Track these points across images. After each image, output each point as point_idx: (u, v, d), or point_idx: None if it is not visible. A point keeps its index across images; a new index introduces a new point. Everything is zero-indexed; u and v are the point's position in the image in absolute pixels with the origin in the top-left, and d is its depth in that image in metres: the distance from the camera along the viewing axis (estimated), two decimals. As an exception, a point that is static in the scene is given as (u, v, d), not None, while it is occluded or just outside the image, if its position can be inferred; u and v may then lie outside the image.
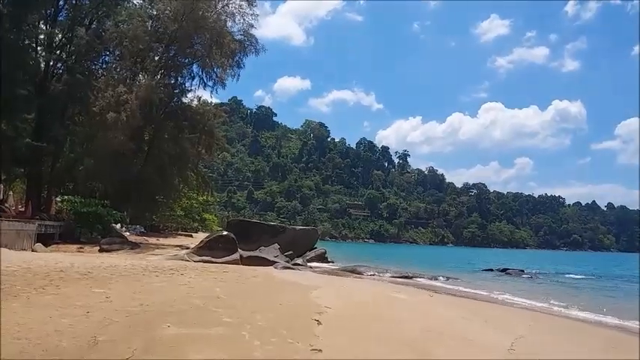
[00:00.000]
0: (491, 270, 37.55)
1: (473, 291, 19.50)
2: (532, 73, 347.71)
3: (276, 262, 25.02)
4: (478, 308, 11.52)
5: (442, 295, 14.82)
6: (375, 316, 8.62)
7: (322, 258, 33.77)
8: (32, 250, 21.91)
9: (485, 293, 18.16)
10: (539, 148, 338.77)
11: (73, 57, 38.41)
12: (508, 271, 34.51)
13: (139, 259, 16.40)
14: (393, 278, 23.09)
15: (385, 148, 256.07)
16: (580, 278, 33.96)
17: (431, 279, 23.74)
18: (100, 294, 8.34)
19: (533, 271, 37.19)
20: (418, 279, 23.38)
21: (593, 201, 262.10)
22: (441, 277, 24.41)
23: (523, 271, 35.63)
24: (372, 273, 24.27)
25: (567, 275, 36.56)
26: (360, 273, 24.06)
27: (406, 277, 23.61)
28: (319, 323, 7.32)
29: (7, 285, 8.20)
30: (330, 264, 32.32)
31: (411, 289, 16.32)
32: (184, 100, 41.56)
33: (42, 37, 36.90)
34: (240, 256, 24.51)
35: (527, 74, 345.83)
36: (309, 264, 29.47)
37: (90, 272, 11.31)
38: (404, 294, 13.21)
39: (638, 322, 12.54)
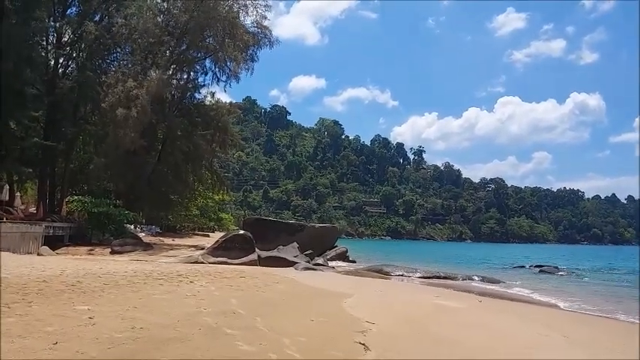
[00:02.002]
0: (523, 267, 35.61)
1: (521, 293, 17.74)
2: (549, 66, 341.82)
3: (297, 262, 23.49)
4: (546, 319, 9.77)
5: (491, 300, 13.05)
6: (434, 335, 6.89)
7: (344, 257, 32.20)
8: (38, 254, 20.64)
9: (540, 298, 16.30)
10: (557, 142, 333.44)
11: (83, 54, 37.38)
12: (543, 268, 32.49)
13: (144, 264, 14.72)
14: (424, 279, 21.39)
15: (400, 145, 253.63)
16: (625, 275, 31.74)
17: (465, 279, 21.95)
18: (81, 313, 6.62)
19: (566, 267, 35.06)
20: (451, 280, 21.62)
21: (613, 194, 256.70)
22: (475, 277, 22.60)
23: (557, 267, 33.59)
24: (400, 273, 22.57)
25: (609, 272, 34.41)
26: (387, 273, 22.40)
27: (438, 278, 21.87)
28: (367, 348, 5.69)
29: None
30: (353, 263, 30.71)
31: (452, 292, 14.59)
32: (197, 96, 40.24)
33: (51, 33, 35.87)
34: (258, 256, 23.05)
35: (544, 67, 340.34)
36: (330, 263, 27.91)
37: (79, 282, 9.68)
38: (449, 300, 11.52)
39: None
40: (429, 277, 21.87)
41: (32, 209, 35.82)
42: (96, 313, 6.60)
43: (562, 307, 14.09)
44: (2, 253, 17.88)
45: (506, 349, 6.42)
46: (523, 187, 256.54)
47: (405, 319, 8.24)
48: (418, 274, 22.38)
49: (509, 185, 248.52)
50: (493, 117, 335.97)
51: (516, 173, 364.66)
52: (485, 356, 5.97)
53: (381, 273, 22.55)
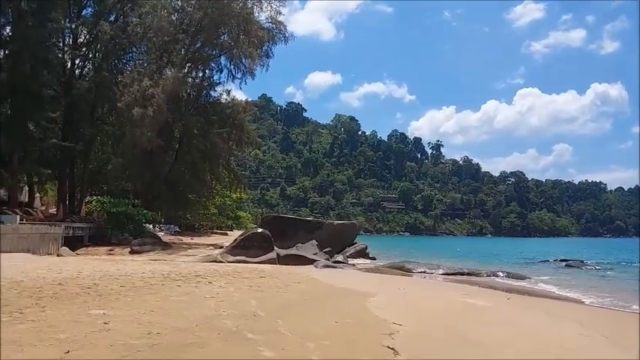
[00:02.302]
0: (547, 261, 34.74)
1: (549, 289, 17.11)
2: (569, 56, 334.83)
3: (316, 260, 23.15)
4: (581, 316, 9.21)
5: (520, 298, 12.47)
6: (465, 337, 6.43)
7: (363, 254, 31.76)
8: (57, 255, 20.61)
9: (570, 294, 15.68)
10: (578, 134, 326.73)
11: (99, 54, 37.49)
12: (568, 262, 31.64)
13: (162, 264, 14.42)
14: (446, 275, 20.83)
15: (418, 140, 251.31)
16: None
17: (490, 275, 21.34)
18: (96, 318, 6.29)
19: (593, 261, 34.04)
20: (475, 276, 21.03)
21: (636, 185, 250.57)
22: (500, 273, 21.95)
23: (583, 261, 32.68)
24: (422, 270, 22.06)
25: (635, 266, 33.36)
26: (408, 270, 21.90)
27: (461, 274, 21.29)
28: (396, 353, 5.27)
29: None
30: (373, 260, 30.25)
31: (478, 290, 14.05)
32: (213, 94, 40.10)
33: (67, 34, 36.02)
34: (277, 254, 22.77)
35: (564, 58, 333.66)
36: (350, 261, 27.51)
37: (96, 284, 9.39)
38: (476, 298, 11.01)
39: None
40: (452, 274, 21.30)
41: (52, 210, 36.03)
42: (111, 317, 6.33)
43: (594, 303, 13.50)
44: (22, 254, 17.87)
45: (547, 351, 5.95)
46: (544, 180, 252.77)
47: (433, 319, 7.79)
48: (441, 271, 21.84)
49: (529, 178, 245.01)
50: (512, 109, 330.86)
51: (537, 166, 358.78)
52: (513, 353, 5.51)
53: (403, 270, 22.05)
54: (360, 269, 22.12)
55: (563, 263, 31.62)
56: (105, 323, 5.95)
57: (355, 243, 33.32)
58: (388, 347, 5.54)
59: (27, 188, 30.75)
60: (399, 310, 8.47)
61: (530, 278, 21.43)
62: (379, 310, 8.11)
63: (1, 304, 6.58)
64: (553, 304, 11.60)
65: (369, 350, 5.40)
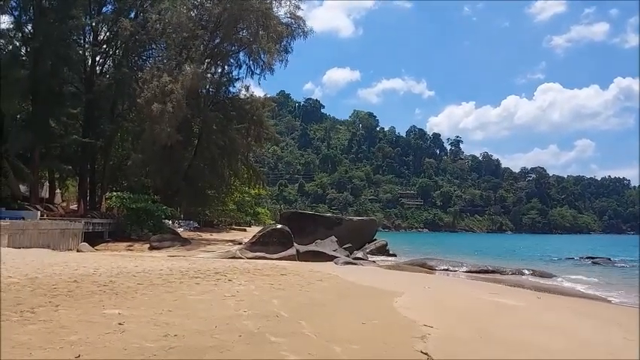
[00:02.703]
0: (573, 258, 33.86)
1: (578, 287, 16.51)
2: (592, 50, 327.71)
3: (336, 256, 22.82)
4: (620, 318, 8.71)
5: (550, 297, 11.98)
6: (501, 340, 5.98)
7: (383, 250, 31.30)
8: (77, 251, 20.63)
9: (600, 293, 15.07)
10: (600, 129, 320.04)
11: (119, 51, 37.65)
12: (595, 259, 30.76)
13: (181, 260, 14.17)
14: (470, 273, 20.32)
15: (437, 136, 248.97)
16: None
17: (515, 273, 20.74)
18: (110, 318, 5.96)
19: (619, 259, 33.07)
20: (500, 274, 20.46)
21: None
22: (525, 271, 21.32)
23: (610, 259, 31.76)
24: (445, 267, 21.56)
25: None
26: (431, 267, 21.43)
27: (485, 272, 20.72)
28: (430, 358, 4.92)
29: None
30: (393, 257, 29.79)
31: (505, 288, 13.57)
32: (232, 90, 39.99)
33: (87, 31, 36.22)
34: (297, 250, 22.49)
35: (586, 52, 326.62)
36: (370, 257, 27.12)
37: (112, 281, 9.13)
38: (505, 297, 10.56)
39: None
40: (476, 272, 20.76)
41: (73, 206, 36.37)
42: (126, 317, 6.04)
43: (624, 302, 12.91)
44: (42, 250, 17.88)
45: (593, 357, 5.50)
46: (565, 176, 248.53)
47: (464, 320, 7.37)
48: (464, 269, 21.32)
49: (550, 174, 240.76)
50: (533, 105, 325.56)
51: (558, 162, 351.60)
52: None
53: (425, 267, 21.59)
54: (381, 266, 21.74)
55: (590, 261, 30.76)
56: (120, 324, 5.69)
57: (375, 239, 32.87)
58: (421, 352, 5.16)
59: (47, 184, 30.93)
60: (428, 310, 8.07)
61: (557, 276, 20.81)
62: (407, 310, 7.73)
63: (14, 303, 6.35)
64: (586, 304, 11.08)
65: (401, 355, 5.03)
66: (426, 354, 5.15)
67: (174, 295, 7.94)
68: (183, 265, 12.29)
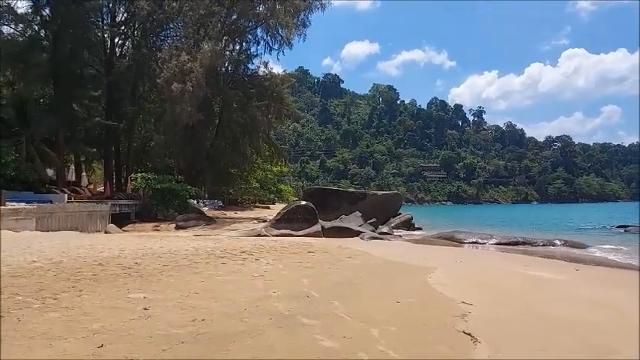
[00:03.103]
0: (604, 227, 32.98)
1: (612, 257, 15.93)
2: (618, 13, 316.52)
3: (362, 232, 22.56)
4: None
5: (588, 268, 11.51)
6: (545, 317, 5.53)
7: (409, 224, 30.91)
8: (105, 232, 20.81)
9: (637, 263, 14.50)
10: (628, 94, 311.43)
11: (138, 32, 37.44)
12: (628, 228, 29.89)
13: (207, 240, 13.99)
14: (500, 245, 19.86)
15: (458, 107, 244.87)
16: None
17: (546, 244, 20.21)
18: (135, 303, 5.74)
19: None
20: (530, 245, 19.97)
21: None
22: (557, 241, 20.75)
23: (643, 227, 30.78)
24: (474, 240, 21.10)
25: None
26: (459, 240, 21.01)
27: (516, 244, 20.25)
28: (475, 340, 4.60)
29: (9, 294, 5.98)
30: (419, 231, 29.42)
31: (538, 260, 13.13)
32: (250, 66, 39.54)
33: (105, 13, 36.07)
34: (322, 227, 22.30)
35: (612, 15, 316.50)
36: (395, 232, 26.81)
37: (137, 263, 8.88)
38: (541, 269, 10.15)
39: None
40: (505, 244, 20.29)
41: (100, 188, 36.80)
42: (152, 302, 5.83)
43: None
44: (69, 232, 18.03)
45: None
46: (591, 143, 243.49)
47: (504, 296, 7.01)
48: (493, 241, 20.84)
49: (576, 142, 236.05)
50: (557, 72, 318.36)
51: (584, 130, 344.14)
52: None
53: (453, 240, 21.20)
54: (407, 241, 21.42)
55: (622, 229, 29.89)
56: (145, 309, 5.46)
57: (400, 213, 32.49)
58: (464, 333, 4.87)
59: (73, 167, 31.26)
60: (464, 286, 7.74)
61: (589, 246, 20.20)
62: (442, 286, 7.41)
63: (37, 289, 6.21)
64: (628, 275, 10.57)
65: (443, 337, 4.73)
66: (469, 334, 4.85)
67: (201, 277, 7.76)
68: (209, 245, 12.15)
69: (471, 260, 12.09)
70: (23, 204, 17.92)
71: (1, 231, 14.67)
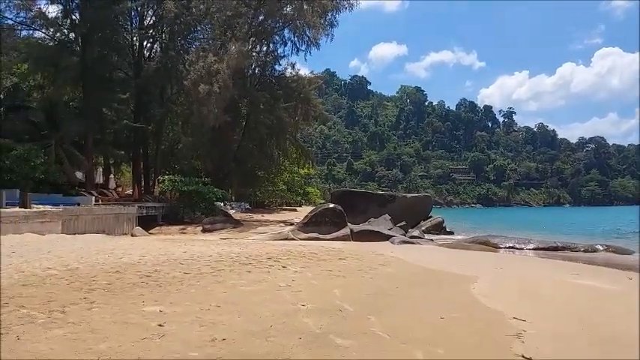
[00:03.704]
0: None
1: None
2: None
3: (392, 235, 21.81)
4: None
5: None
6: (612, 337, 4.89)
7: (440, 228, 29.99)
8: (131, 235, 20.61)
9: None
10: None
11: (165, 35, 37.51)
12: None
13: (232, 245, 13.33)
14: (539, 251, 18.87)
15: (488, 108, 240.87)
16: None
17: (588, 250, 19.09)
18: (150, 318, 5.14)
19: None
20: (571, 251, 18.89)
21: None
22: (599, 247, 19.60)
23: (689, 233, 29.17)
24: (510, 245, 20.13)
25: None
26: (495, 245, 20.08)
27: (555, 249, 19.18)
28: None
29: (15, 306, 5.41)
30: (450, 235, 28.48)
31: (587, 268, 12.17)
32: (278, 68, 39.22)
33: (134, 17, 36.26)
34: (351, 230, 21.63)
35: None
36: (426, 236, 25.94)
37: (157, 271, 8.28)
38: (591, 278, 9.29)
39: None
40: (544, 249, 19.26)
41: (129, 191, 36.96)
42: (168, 316, 5.27)
43: None
44: (95, 235, 17.84)
45: None
46: (626, 145, 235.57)
47: (558, 310, 6.24)
48: (531, 245, 19.82)
49: (610, 144, 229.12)
50: (591, 72, 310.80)
51: (618, 131, 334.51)
52: None
53: (488, 245, 20.27)
54: (440, 245, 20.59)
55: (668, 234, 28.31)
56: (160, 325, 4.86)
57: (430, 217, 31.58)
58: (523, 357, 4.18)
59: (101, 170, 31.40)
60: (512, 298, 7.00)
61: (634, 252, 18.98)
62: (488, 299, 6.68)
63: (45, 300, 5.69)
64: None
65: (499, 361, 4.08)
66: (529, 359, 4.15)
67: (224, 286, 7.17)
68: (233, 250, 11.58)
69: (512, 267, 11.26)
70: (49, 206, 17.83)
71: (27, 234, 14.54)
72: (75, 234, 17.67)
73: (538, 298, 7.12)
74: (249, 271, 8.50)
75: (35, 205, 17.50)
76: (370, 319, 5.31)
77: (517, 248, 19.65)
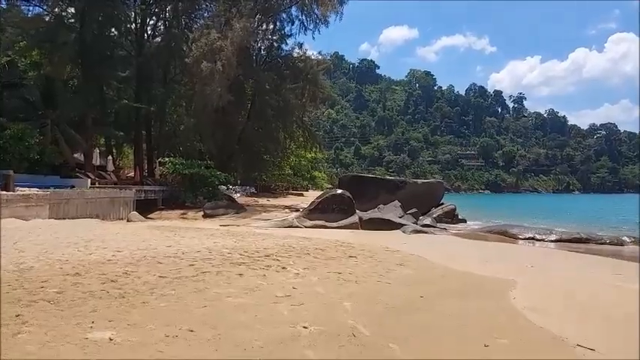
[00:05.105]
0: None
1: None
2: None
3: (404, 224, 20.56)
4: None
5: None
6: None
7: (452, 215, 28.54)
8: (127, 220, 19.42)
9: None
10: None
11: (169, 12, 36.02)
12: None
13: (227, 237, 11.79)
14: (561, 242, 17.51)
15: (498, 93, 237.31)
16: None
17: (614, 242, 17.72)
18: (92, 350, 3.74)
19: None
20: (596, 243, 17.51)
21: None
22: (625, 238, 18.24)
23: None
24: (530, 235, 18.78)
25: None
26: (513, 236, 18.79)
27: (579, 241, 17.81)
28: None
29: None
30: (464, 223, 27.18)
31: (628, 266, 10.84)
32: (284, 47, 37.60)
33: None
34: (360, 218, 20.38)
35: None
36: (438, 224, 24.62)
37: (127, 273, 6.71)
38: (635, 280, 7.98)
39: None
40: (567, 240, 17.90)
41: (130, 174, 35.84)
42: (117, 349, 3.85)
43: None
44: (86, 220, 16.69)
45: None
46: (638, 131, 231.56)
47: (627, 330, 4.95)
48: (553, 237, 18.45)
49: (622, 130, 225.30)
50: (603, 57, 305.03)
51: (630, 117, 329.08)
52: None
53: (506, 235, 19.02)
54: (455, 235, 19.31)
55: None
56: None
57: (442, 203, 30.18)
58: None
59: (98, 151, 30.18)
60: (563, 312, 5.61)
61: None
62: (536, 314, 5.33)
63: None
64: None
65: None
66: None
67: (205, 297, 5.70)
68: (227, 244, 10.16)
69: (544, 265, 9.90)
70: (35, 189, 16.64)
71: (8, 219, 13.36)
72: (64, 219, 16.52)
73: (595, 312, 5.78)
74: (241, 274, 7.09)
75: (21, 188, 16.33)
76: (392, 348, 4.02)
77: (538, 239, 18.35)
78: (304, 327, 4.56)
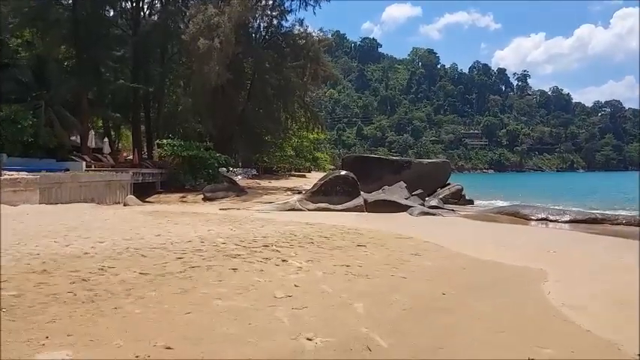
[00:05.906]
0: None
1: None
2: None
3: (410, 206, 19.80)
4: None
5: None
6: None
7: (459, 196, 27.75)
8: (124, 204, 18.71)
9: None
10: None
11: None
12: None
13: (223, 223, 10.91)
14: (576, 223, 16.73)
15: (502, 71, 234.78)
16: None
17: (631, 223, 16.88)
18: None
19: None
20: (610, 224, 16.71)
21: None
22: (643, 219, 17.46)
23: None
24: (543, 216, 17.93)
25: None
26: (525, 217, 17.97)
27: (594, 222, 17.02)
28: None
29: None
30: (471, 205, 26.43)
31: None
32: (285, 24, 36.46)
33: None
34: (365, 200, 19.63)
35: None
36: (445, 205, 23.83)
37: (103, 269, 5.87)
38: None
39: None
40: (581, 221, 17.09)
41: (129, 156, 35.08)
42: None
43: None
44: (80, 205, 15.98)
45: None
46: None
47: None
48: (567, 217, 17.62)
49: (626, 108, 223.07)
50: (609, 33, 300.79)
51: (634, 94, 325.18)
52: None
53: (517, 217, 18.19)
54: (464, 217, 18.55)
55: None
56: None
57: (448, 184, 29.38)
58: None
59: (93, 133, 29.35)
60: (605, 309, 4.90)
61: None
62: (578, 313, 4.54)
63: None
64: None
65: None
66: None
67: (191, 299, 4.85)
68: (222, 232, 9.28)
69: (566, 249, 9.10)
70: (24, 173, 15.87)
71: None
72: (57, 204, 15.80)
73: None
74: (235, 269, 6.26)
75: (8, 172, 15.56)
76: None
77: (551, 220, 17.53)
78: (308, 339, 3.73)
